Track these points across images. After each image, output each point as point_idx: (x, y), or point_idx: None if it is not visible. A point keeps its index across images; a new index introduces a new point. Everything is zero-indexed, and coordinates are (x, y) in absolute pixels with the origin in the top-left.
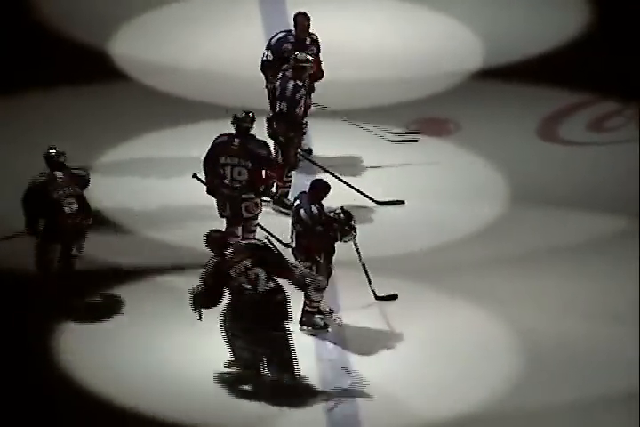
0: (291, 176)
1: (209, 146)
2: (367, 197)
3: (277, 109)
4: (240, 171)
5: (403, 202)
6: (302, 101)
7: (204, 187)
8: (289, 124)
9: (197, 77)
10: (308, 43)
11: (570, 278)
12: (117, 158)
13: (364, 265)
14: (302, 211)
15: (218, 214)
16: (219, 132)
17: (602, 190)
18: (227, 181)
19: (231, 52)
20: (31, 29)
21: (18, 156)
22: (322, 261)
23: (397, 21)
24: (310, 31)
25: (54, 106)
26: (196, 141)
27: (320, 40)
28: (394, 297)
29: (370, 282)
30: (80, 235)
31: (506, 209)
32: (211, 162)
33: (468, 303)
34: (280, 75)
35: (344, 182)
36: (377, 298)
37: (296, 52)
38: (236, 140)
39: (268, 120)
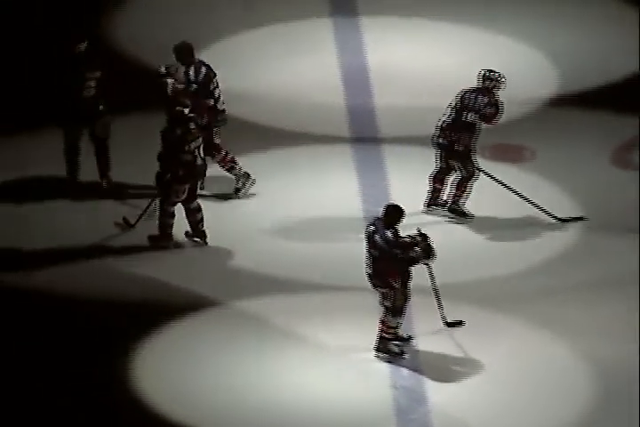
0: (468, 186)
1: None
2: (549, 214)
3: (463, 118)
4: None
5: (582, 218)
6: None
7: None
8: (472, 133)
9: (273, 104)
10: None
11: (631, 307)
12: None
13: (435, 291)
14: (377, 236)
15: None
16: (291, 159)
17: None
18: None
19: (306, 78)
20: (114, 59)
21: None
22: (399, 286)
23: (473, 48)
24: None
25: (134, 132)
26: (272, 168)
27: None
28: (461, 323)
29: (441, 308)
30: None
31: (580, 236)
32: None
33: (541, 331)
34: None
35: (524, 198)
36: (446, 325)
37: None
38: None
39: (443, 129)
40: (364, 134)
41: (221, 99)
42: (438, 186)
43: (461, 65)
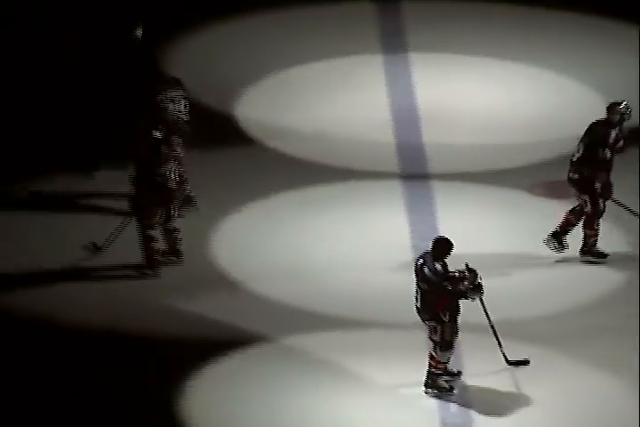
0: (599, 224)
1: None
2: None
3: (597, 154)
4: None
5: (526, 362)
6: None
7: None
8: (608, 169)
9: (323, 140)
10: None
11: None
12: (245, 219)
13: (492, 327)
14: (426, 269)
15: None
16: (341, 194)
17: None
18: None
19: (356, 115)
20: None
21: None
22: (447, 320)
23: (521, 85)
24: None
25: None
26: (319, 203)
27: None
28: (525, 362)
29: (500, 345)
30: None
31: (634, 274)
32: None
33: (594, 369)
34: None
35: None
36: (508, 363)
37: None
38: None
39: (573, 163)
40: (413, 171)
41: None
42: (573, 220)
43: (510, 102)
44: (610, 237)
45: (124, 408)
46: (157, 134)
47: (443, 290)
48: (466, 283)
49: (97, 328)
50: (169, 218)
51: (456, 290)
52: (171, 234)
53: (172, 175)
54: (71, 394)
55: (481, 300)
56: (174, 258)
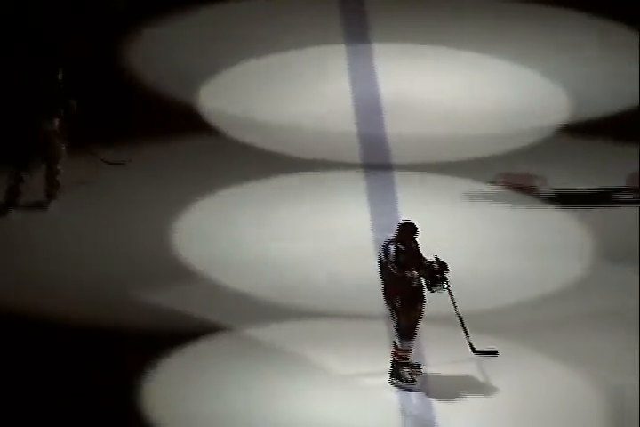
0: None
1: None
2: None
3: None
4: None
5: (495, 353)
6: None
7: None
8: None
9: (284, 131)
10: None
11: None
12: (203, 210)
13: (460, 318)
14: (382, 249)
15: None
16: (301, 186)
17: None
18: None
19: (318, 106)
20: (120, 84)
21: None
22: (399, 306)
23: (485, 76)
24: None
25: (142, 159)
26: (280, 194)
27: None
28: (493, 352)
29: (467, 335)
30: None
31: (592, 266)
32: None
33: (553, 360)
34: None
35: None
36: (475, 352)
37: None
38: None
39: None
40: (375, 162)
41: None
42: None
43: (473, 93)
44: (571, 232)
45: (82, 400)
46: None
47: (390, 273)
48: (427, 274)
49: (56, 317)
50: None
51: (408, 278)
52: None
53: None
54: (27, 386)
55: (449, 290)
56: None
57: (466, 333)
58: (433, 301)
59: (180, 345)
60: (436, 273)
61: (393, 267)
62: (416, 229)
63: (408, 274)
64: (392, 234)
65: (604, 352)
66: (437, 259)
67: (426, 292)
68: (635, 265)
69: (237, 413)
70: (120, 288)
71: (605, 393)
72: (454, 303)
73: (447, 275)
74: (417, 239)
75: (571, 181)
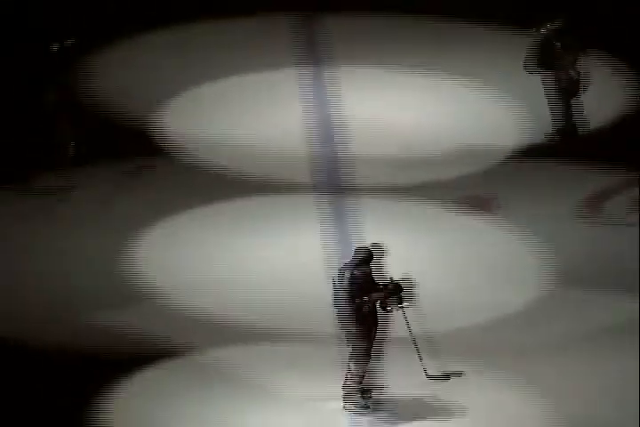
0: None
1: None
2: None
3: None
4: None
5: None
6: None
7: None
8: None
9: (237, 154)
10: None
11: (608, 362)
12: (163, 233)
13: (414, 341)
14: (337, 274)
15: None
16: (257, 208)
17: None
18: None
19: (271, 128)
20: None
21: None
22: (355, 330)
23: (444, 97)
24: None
25: (98, 181)
26: (236, 217)
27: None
28: (446, 378)
29: (420, 359)
30: None
31: (550, 290)
32: None
33: (512, 383)
34: None
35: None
36: (428, 377)
37: None
38: None
39: None
40: (329, 184)
41: None
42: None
43: (431, 114)
44: (525, 255)
45: (38, 424)
46: None
47: (347, 299)
48: (373, 295)
49: (17, 341)
50: None
51: (360, 301)
52: None
53: None
54: None
55: (403, 312)
56: None
57: (419, 356)
58: (393, 323)
59: (138, 367)
60: (391, 294)
61: (346, 292)
62: (372, 254)
63: (358, 300)
64: (351, 260)
65: (562, 378)
66: (392, 280)
67: (380, 316)
68: (588, 289)
69: None
70: (76, 310)
71: (558, 419)
72: (408, 325)
73: (402, 295)
74: (370, 264)
75: (525, 204)
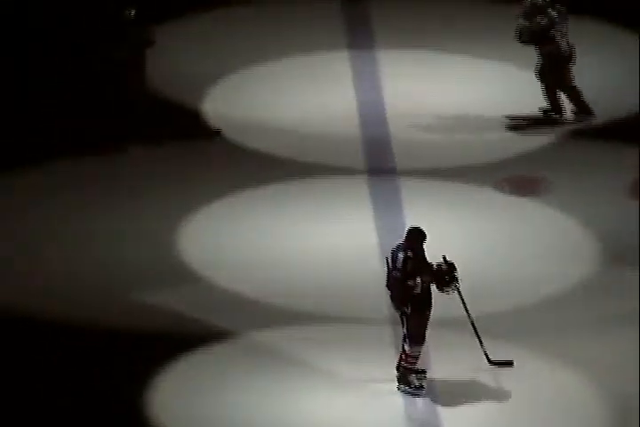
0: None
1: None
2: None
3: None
4: None
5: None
6: None
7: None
8: None
9: (289, 136)
10: None
11: None
12: (211, 215)
13: (473, 325)
14: (390, 256)
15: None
16: (307, 190)
17: None
18: None
19: (322, 110)
20: (130, 90)
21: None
22: (409, 311)
23: (489, 82)
24: None
25: (151, 163)
26: (285, 200)
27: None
28: (509, 363)
29: (481, 343)
30: None
31: (597, 270)
32: None
33: (558, 366)
34: None
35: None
36: (491, 363)
37: None
38: None
39: None
40: (380, 167)
41: None
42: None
43: (477, 98)
44: (576, 236)
45: (89, 403)
46: None
47: (397, 279)
48: (436, 276)
49: (61, 320)
50: None
51: (412, 282)
52: None
53: None
54: (33, 387)
55: (460, 294)
56: None
57: (480, 341)
58: (441, 304)
59: (185, 349)
60: (445, 274)
61: (397, 274)
62: (424, 235)
63: (411, 282)
64: (400, 241)
65: (609, 357)
66: (445, 259)
67: (434, 297)
68: (636, 269)
69: (242, 418)
70: (125, 291)
71: (609, 399)
72: (465, 306)
73: (456, 275)
74: (424, 245)
75: (575, 185)
